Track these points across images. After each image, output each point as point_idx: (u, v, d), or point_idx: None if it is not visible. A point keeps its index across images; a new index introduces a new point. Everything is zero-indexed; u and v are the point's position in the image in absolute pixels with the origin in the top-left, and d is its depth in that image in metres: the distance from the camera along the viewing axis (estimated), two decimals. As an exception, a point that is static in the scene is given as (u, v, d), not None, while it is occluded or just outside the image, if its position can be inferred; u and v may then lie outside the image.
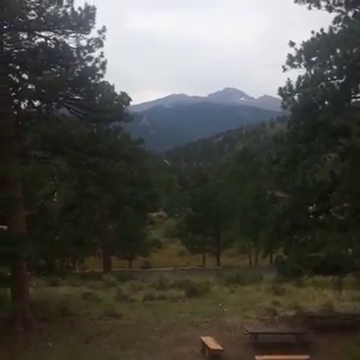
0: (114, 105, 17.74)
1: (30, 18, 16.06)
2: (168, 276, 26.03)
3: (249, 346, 14.36)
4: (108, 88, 18.06)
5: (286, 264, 17.12)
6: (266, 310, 18.43)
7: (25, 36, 16.62)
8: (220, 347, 13.52)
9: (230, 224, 53.21)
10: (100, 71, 16.95)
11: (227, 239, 53.85)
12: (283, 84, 16.37)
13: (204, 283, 23.50)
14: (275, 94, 17.13)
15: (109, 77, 17.86)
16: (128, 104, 18.40)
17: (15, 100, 17.24)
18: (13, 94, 16.95)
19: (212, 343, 13.75)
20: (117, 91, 18.41)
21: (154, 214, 62.42)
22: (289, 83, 16.27)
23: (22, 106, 17.61)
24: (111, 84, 18.15)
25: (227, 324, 16.82)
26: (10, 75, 16.88)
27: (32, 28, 16.31)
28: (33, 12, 16.02)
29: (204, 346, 13.85)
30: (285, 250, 18.09)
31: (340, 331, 15.30)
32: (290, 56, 16.00)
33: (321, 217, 17.64)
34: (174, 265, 45.77)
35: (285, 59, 16.04)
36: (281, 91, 16.39)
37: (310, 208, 17.81)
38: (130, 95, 18.55)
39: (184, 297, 21.42)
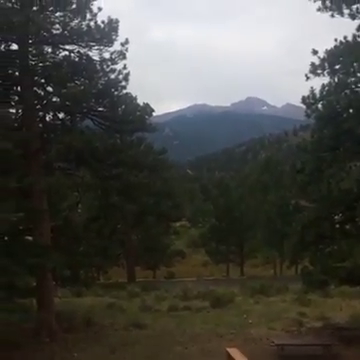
0: (137, 116, 17.87)
1: (54, 32, 16.35)
2: (192, 286, 25.91)
3: (275, 358, 14.15)
4: (131, 99, 18.22)
5: (312, 274, 16.88)
6: (292, 321, 18.15)
7: (50, 50, 17.00)
8: (246, 359, 13.34)
9: (254, 234, 52.85)
10: (123, 83, 17.16)
11: (251, 249, 53.47)
12: (306, 92, 16.29)
13: (228, 294, 23.31)
14: (298, 102, 17.03)
15: (132, 88, 18.04)
16: (151, 115, 18.51)
17: (40, 113, 17.53)
18: (38, 107, 17.24)
19: (237, 354, 13.57)
20: (140, 102, 18.59)
21: (177, 224, 62.40)
22: (312, 91, 16.16)
23: (47, 118, 17.91)
24: (134, 95, 18.35)
25: (252, 335, 16.62)
26: (35, 88, 17.19)
27: (56, 42, 16.62)
28: (57, 26, 16.31)
29: (229, 357, 13.67)
30: (311, 260, 17.85)
31: (368, 343, 14.97)
32: (313, 64, 15.90)
33: (347, 227, 17.36)
34: (198, 275, 45.61)
35: (308, 67, 15.96)
36: (304, 100, 16.28)
37: (336, 217, 17.55)
38: (153, 105, 18.67)
39: (208, 308, 21.28)
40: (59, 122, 17.82)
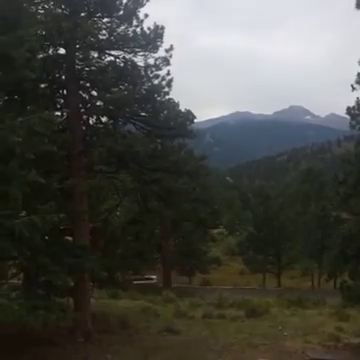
0: (178, 122, 17.95)
1: (101, 38, 16.66)
2: (227, 294, 25.71)
3: (310, 372, 13.86)
4: (173, 105, 18.34)
5: (351, 289, 16.48)
6: (329, 336, 17.69)
7: (96, 55, 17.28)
8: (279, 371, 13.14)
9: (292, 245, 52.08)
10: (166, 89, 17.26)
11: (289, 260, 52.69)
12: (352, 103, 16.02)
13: (264, 304, 23.00)
14: (342, 112, 16.76)
15: (175, 94, 18.13)
16: (192, 121, 18.54)
17: (84, 116, 17.86)
18: (82, 110, 17.59)
19: (271, 367, 13.39)
20: (182, 108, 18.67)
21: (215, 231, 62.22)
22: (358, 102, 15.88)
23: (90, 122, 18.23)
24: (176, 101, 18.46)
25: (287, 348, 16.31)
26: (80, 92, 17.55)
27: (103, 47, 16.92)
28: (104, 32, 16.63)
29: (263, 369, 13.51)
30: (350, 274, 17.43)
31: None
32: (359, 75, 15.62)
33: (390, 241, 16.86)
34: (234, 284, 45.26)
35: (354, 78, 15.69)
36: (349, 110, 16.01)
37: (378, 232, 17.09)
38: (195, 112, 18.71)
39: (243, 317, 21.04)
40: (102, 126, 18.10)
